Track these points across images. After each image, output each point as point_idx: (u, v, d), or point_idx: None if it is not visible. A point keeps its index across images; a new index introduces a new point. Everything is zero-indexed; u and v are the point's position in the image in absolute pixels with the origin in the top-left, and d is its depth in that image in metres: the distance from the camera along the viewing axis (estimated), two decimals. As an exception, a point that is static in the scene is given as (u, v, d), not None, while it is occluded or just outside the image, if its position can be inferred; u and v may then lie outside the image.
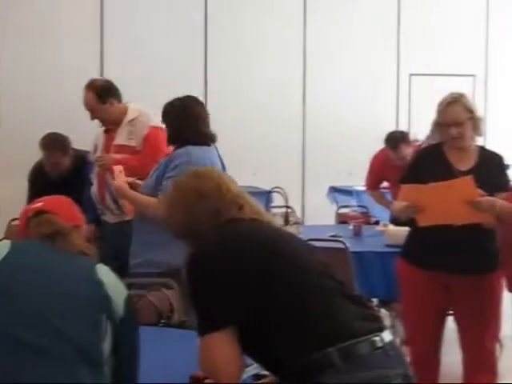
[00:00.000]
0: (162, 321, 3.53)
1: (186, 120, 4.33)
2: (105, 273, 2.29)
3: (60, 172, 5.54)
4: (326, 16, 9.68)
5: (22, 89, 8.49)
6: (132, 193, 4.29)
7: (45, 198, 2.53)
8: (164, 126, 4.54)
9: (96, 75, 7.77)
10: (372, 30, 9.81)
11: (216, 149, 4.39)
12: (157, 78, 8.74)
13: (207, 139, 4.35)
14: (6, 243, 2.30)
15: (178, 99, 4.42)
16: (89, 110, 5.11)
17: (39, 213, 2.41)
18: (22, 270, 2.23)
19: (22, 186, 5.78)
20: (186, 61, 9.15)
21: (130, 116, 5.03)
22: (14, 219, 6.02)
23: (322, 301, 2.29)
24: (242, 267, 2.27)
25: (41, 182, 5.43)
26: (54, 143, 5.55)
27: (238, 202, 2.48)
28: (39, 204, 2.47)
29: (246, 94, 9.35)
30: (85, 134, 5.43)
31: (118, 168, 4.44)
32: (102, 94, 5.04)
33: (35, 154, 5.77)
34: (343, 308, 2.30)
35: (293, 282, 2.30)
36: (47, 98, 8.47)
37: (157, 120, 4.91)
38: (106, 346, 2.18)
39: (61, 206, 2.49)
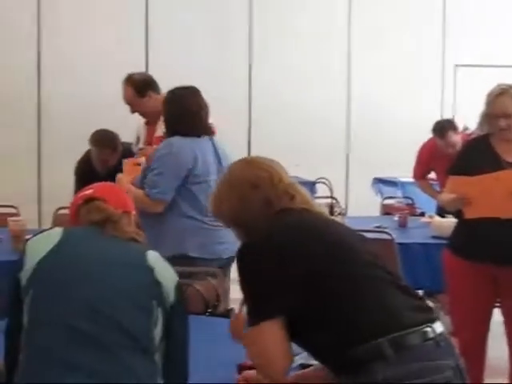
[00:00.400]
0: (209, 310, 3.54)
1: (177, 111, 4.36)
2: (155, 259, 2.31)
3: (108, 167, 5.58)
4: (371, 6, 9.63)
5: (69, 82, 8.59)
6: (127, 186, 4.29)
7: (94, 184, 2.54)
8: None
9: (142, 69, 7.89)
10: (416, 20, 9.73)
11: (212, 140, 4.40)
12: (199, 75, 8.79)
13: (197, 130, 4.34)
14: (58, 230, 2.33)
15: (178, 88, 4.46)
16: (128, 104, 5.15)
17: (89, 200, 2.43)
18: (75, 257, 2.25)
19: (69, 176, 5.84)
20: (229, 61, 9.21)
21: None
22: (60, 208, 6.11)
23: (374, 291, 2.28)
24: (293, 257, 2.26)
25: (88, 176, 5.46)
26: (105, 141, 5.58)
27: (289, 192, 2.48)
28: (89, 191, 2.48)
29: (291, 82, 9.33)
30: (129, 127, 5.48)
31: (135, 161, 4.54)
32: (140, 88, 5.09)
33: (82, 145, 5.82)
34: (394, 298, 2.29)
35: (344, 271, 2.29)
36: (93, 90, 8.55)
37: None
38: (157, 332, 2.21)
39: (110, 192, 2.51)
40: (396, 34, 9.66)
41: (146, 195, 4.23)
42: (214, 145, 4.38)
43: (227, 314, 3.51)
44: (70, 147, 6.77)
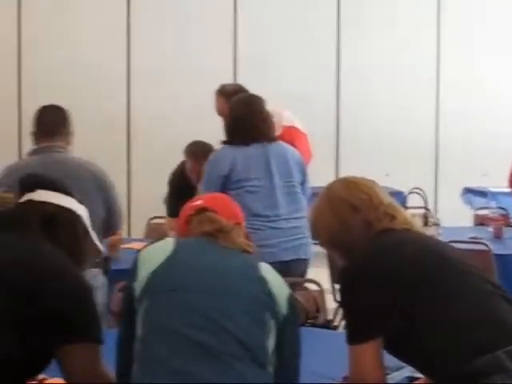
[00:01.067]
0: (309, 321, 3.53)
1: (228, 119, 4.53)
2: (268, 270, 2.30)
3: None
4: (460, 14, 9.49)
5: (162, 88, 8.64)
6: None
7: (204, 195, 2.58)
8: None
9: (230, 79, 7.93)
10: (504, 30, 9.55)
11: (266, 147, 4.43)
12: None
13: (244, 138, 4.41)
14: (170, 241, 2.35)
15: (235, 97, 4.68)
16: (221, 115, 5.17)
17: (201, 210, 2.45)
18: (188, 267, 2.26)
19: (161, 186, 5.91)
20: (317, 60, 9.20)
21: None
22: (153, 217, 6.18)
23: (486, 305, 2.25)
24: (395, 279, 2.26)
25: (181, 185, 5.54)
26: (200, 152, 5.60)
27: (389, 213, 2.45)
28: (200, 202, 2.50)
29: (377, 93, 9.28)
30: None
31: None
32: None
33: (174, 155, 5.87)
34: (506, 311, 2.26)
35: (451, 288, 2.27)
36: (186, 98, 8.60)
37: (290, 119, 4.94)
38: (270, 344, 2.20)
39: (221, 203, 2.52)
40: (485, 45, 9.49)
41: None
42: (266, 152, 4.41)
43: (327, 324, 3.50)
44: (162, 157, 6.84)
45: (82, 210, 2.41)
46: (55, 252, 2.23)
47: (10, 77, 8.42)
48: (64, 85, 8.19)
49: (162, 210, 5.87)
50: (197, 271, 2.25)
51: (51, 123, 4.09)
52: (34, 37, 8.36)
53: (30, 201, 2.35)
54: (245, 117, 4.45)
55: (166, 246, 2.31)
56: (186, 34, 8.79)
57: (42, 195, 2.35)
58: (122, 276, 4.18)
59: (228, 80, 7.22)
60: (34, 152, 4.07)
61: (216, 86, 5.52)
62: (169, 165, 5.97)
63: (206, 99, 5.81)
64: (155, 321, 2.19)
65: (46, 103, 4.19)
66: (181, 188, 5.52)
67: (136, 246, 4.90)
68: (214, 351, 2.12)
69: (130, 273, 2.32)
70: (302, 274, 4.32)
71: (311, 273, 4.43)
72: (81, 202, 2.44)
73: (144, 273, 2.25)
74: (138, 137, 8.75)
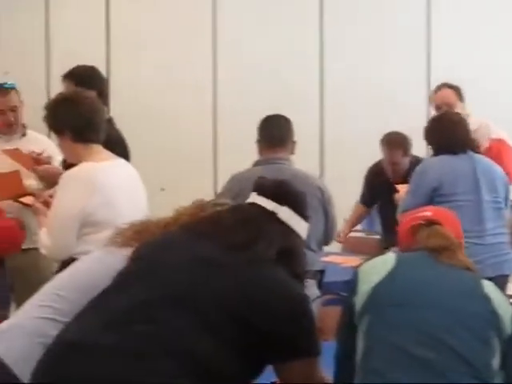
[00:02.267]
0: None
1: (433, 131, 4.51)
2: (492, 289, 2.27)
3: (397, 172, 5.57)
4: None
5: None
6: None
7: (431, 207, 2.58)
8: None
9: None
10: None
11: (472, 157, 4.35)
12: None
13: (452, 147, 4.36)
14: (391, 256, 2.36)
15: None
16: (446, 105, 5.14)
17: (429, 222, 2.44)
18: (410, 283, 2.26)
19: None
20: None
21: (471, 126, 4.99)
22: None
23: None
24: None
25: (376, 180, 5.54)
26: (397, 142, 5.55)
27: None
28: (428, 213, 2.50)
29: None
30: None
31: None
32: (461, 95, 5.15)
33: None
34: None
35: None
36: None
37: (499, 131, 4.84)
38: (495, 364, 2.16)
39: (449, 218, 2.52)
40: None
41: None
42: (473, 164, 4.31)
43: None
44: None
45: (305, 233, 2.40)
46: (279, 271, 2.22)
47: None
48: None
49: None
50: (419, 287, 2.25)
51: (277, 134, 4.18)
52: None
53: (276, 219, 2.29)
54: (449, 125, 4.44)
55: (387, 261, 2.32)
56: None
57: (286, 214, 2.31)
58: (329, 289, 4.26)
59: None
60: (258, 162, 4.17)
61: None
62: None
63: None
64: (377, 335, 2.21)
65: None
66: (375, 180, 5.53)
67: (347, 260, 4.98)
68: (432, 366, 2.11)
69: (350, 288, 2.34)
70: (503, 289, 4.22)
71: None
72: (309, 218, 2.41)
73: (365, 287, 2.27)
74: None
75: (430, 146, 4.65)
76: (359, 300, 2.27)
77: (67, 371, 2.01)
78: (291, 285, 2.18)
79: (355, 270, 2.37)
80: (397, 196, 4.91)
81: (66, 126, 3.43)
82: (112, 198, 3.34)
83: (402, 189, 4.69)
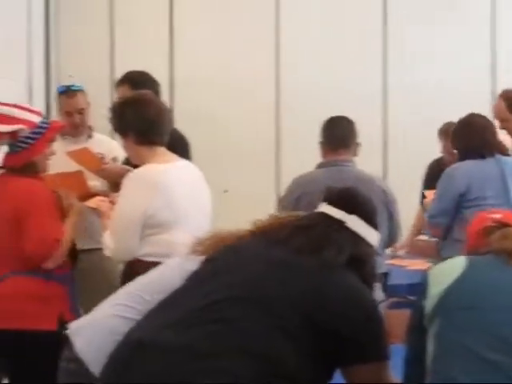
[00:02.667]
0: None
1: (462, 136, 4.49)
2: None
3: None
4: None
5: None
6: None
7: (499, 210, 2.52)
8: None
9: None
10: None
11: (500, 160, 4.30)
12: None
13: (480, 150, 4.33)
14: (462, 259, 2.31)
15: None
16: (499, 119, 5.03)
17: (502, 225, 2.39)
18: (481, 286, 2.22)
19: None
20: None
21: None
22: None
23: None
24: None
25: (436, 171, 5.48)
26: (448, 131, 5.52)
27: None
28: (499, 215, 2.48)
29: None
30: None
31: None
32: None
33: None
34: None
35: None
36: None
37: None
38: None
39: None
40: None
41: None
42: (501, 167, 4.23)
43: None
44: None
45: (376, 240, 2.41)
46: (350, 277, 2.23)
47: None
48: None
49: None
50: (490, 290, 2.21)
51: (341, 136, 4.15)
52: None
53: (345, 228, 2.31)
54: (478, 128, 4.41)
55: (457, 264, 2.28)
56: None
57: (354, 223, 2.33)
58: (394, 291, 4.22)
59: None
60: (321, 165, 4.15)
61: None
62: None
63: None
64: (448, 338, 2.17)
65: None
66: (435, 172, 5.46)
67: (412, 264, 4.98)
68: (504, 370, 2.07)
69: (419, 290, 2.31)
70: None
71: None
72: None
73: (435, 290, 2.23)
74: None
75: (455, 151, 4.58)
76: (429, 303, 2.23)
77: (139, 370, 2.02)
78: (362, 290, 2.21)
79: (425, 273, 2.34)
80: (425, 202, 4.87)
81: (131, 128, 3.46)
82: (174, 200, 3.35)
83: (430, 195, 4.66)
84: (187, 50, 8.04)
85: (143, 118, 3.44)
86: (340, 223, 2.32)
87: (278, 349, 2.02)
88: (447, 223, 4.30)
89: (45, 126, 3.51)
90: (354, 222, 2.32)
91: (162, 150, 3.50)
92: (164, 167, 3.40)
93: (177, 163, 3.51)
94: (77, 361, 2.46)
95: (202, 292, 2.16)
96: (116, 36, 8.01)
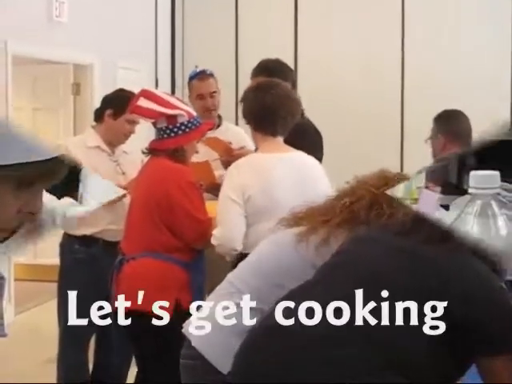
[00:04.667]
0: None
1: None
2: None
3: None
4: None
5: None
6: None
7: None
8: None
9: None
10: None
11: None
12: None
13: None
14: None
15: None
16: None
17: None
18: None
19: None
20: None
21: None
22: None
23: None
24: None
25: None
26: None
27: None
28: None
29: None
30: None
31: None
32: None
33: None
34: None
35: None
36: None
37: None
38: None
39: None
40: None
41: None
42: None
43: None
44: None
45: None
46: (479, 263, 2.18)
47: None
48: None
49: None
50: None
51: (463, 130, 4.11)
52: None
53: None
54: None
55: None
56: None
57: None
58: None
59: None
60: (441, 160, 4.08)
61: None
62: None
63: None
64: None
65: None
66: None
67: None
68: None
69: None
70: None
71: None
72: None
73: None
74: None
75: None
76: None
77: (269, 356, 2.04)
78: (492, 276, 2.12)
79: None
80: None
81: (250, 114, 3.49)
82: (272, 189, 3.33)
83: None
84: (311, 40, 8.09)
85: (260, 105, 3.44)
86: None
87: (406, 338, 1.99)
88: None
89: (199, 120, 3.64)
90: None
91: (276, 140, 3.47)
92: (267, 156, 3.40)
93: (285, 154, 3.44)
94: (199, 358, 2.47)
95: (332, 283, 2.17)
96: (240, 27, 8.11)
